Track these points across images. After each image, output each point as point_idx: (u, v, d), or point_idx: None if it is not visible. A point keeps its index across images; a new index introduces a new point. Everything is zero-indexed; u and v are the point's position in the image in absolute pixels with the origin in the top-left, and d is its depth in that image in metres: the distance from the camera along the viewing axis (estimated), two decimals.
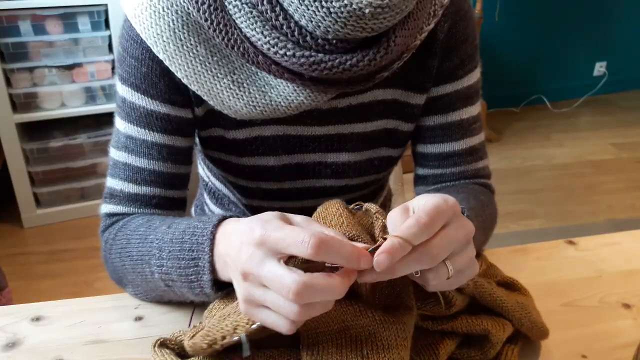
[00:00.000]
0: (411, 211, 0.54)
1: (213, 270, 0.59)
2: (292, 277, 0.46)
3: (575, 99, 3.58)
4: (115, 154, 0.73)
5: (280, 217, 0.52)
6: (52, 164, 2.27)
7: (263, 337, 0.58)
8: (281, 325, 0.49)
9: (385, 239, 0.50)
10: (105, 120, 2.31)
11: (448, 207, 0.52)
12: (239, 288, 0.52)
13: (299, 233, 0.47)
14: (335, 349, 0.54)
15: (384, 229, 0.56)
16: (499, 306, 0.64)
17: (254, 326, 0.53)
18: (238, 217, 0.61)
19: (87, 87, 2.21)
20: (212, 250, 0.58)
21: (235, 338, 0.54)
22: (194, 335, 0.57)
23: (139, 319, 0.71)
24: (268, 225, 0.49)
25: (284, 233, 0.48)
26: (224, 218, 0.60)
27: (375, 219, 0.59)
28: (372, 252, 0.49)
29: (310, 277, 0.47)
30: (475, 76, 0.79)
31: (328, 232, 0.51)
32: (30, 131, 2.26)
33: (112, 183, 0.74)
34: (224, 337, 0.54)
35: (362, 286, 0.56)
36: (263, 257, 0.49)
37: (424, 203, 0.52)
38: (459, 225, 0.53)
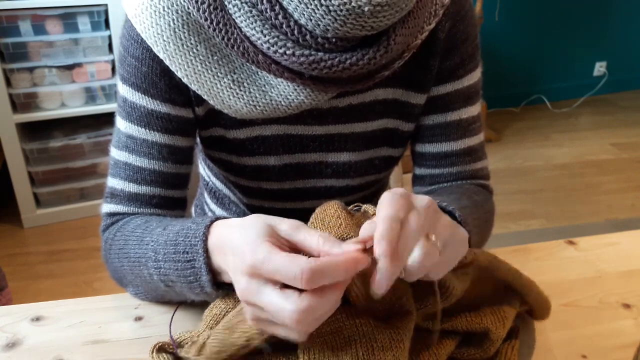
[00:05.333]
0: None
1: (211, 270, 0.58)
2: (290, 308, 0.47)
3: (575, 99, 3.58)
4: (116, 153, 0.73)
5: (268, 237, 0.50)
6: (52, 164, 2.27)
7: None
8: (293, 337, 0.50)
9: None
10: (105, 120, 2.31)
11: (396, 203, 0.51)
12: (246, 311, 0.52)
13: (289, 267, 0.47)
14: (330, 352, 0.54)
15: None
16: (514, 273, 0.64)
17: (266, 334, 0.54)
18: (229, 217, 0.60)
19: (87, 87, 2.21)
20: (206, 251, 0.58)
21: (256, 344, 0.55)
22: (200, 348, 0.58)
23: (139, 319, 0.71)
24: (257, 255, 0.49)
25: (275, 266, 0.48)
26: (217, 218, 0.60)
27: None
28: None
29: (307, 302, 0.47)
30: (475, 76, 0.79)
31: (317, 238, 0.50)
32: (30, 131, 2.26)
33: (113, 182, 0.74)
34: (239, 349, 0.55)
35: (359, 297, 0.56)
36: (258, 287, 0.49)
37: (378, 218, 0.51)
38: (417, 212, 0.52)
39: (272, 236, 0.51)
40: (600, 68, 3.60)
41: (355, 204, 0.63)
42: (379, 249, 0.48)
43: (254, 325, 0.53)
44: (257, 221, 0.53)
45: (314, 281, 0.46)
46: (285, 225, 0.52)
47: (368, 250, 0.50)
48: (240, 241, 0.52)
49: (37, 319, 0.71)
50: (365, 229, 0.52)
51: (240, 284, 0.50)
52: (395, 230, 0.49)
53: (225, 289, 0.61)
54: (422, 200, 0.54)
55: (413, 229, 0.51)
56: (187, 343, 0.62)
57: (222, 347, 0.56)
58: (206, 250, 0.58)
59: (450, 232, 0.55)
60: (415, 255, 0.51)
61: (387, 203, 0.51)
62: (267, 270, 0.48)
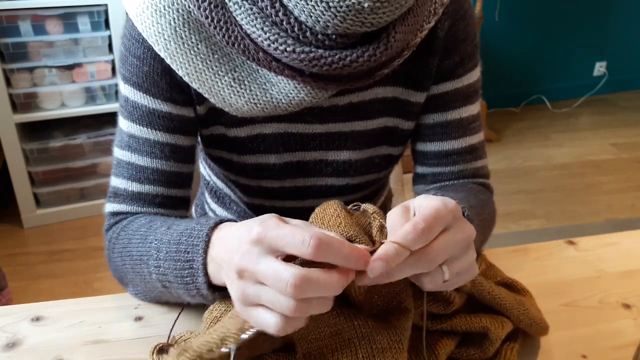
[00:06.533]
0: (411, 211, 0.54)
1: (207, 272, 0.59)
2: (290, 271, 0.46)
3: (575, 99, 3.58)
4: (119, 153, 0.74)
5: (278, 217, 0.51)
6: (52, 164, 2.27)
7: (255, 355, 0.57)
8: (274, 324, 0.48)
9: (383, 243, 0.50)
10: (105, 120, 2.31)
11: (447, 211, 0.52)
12: (233, 288, 0.51)
13: (298, 232, 0.47)
14: (330, 355, 0.54)
15: (382, 229, 0.56)
16: (498, 304, 0.64)
17: (243, 336, 0.51)
18: (235, 220, 0.60)
19: (87, 87, 2.21)
20: (206, 252, 0.58)
21: (225, 350, 0.52)
22: (183, 352, 0.56)
23: (139, 319, 0.71)
24: (266, 224, 0.49)
25: (283, 232, 0.47)
26: (221, 221, 0.60)
27: (372, 219, 0.59)
28: (371, 253, 0.49)
29: (309, 271, 0.46)
30: (475, 75, 0.79)
31: (328, 234, 0.50)
32: (30, 131, 2.26)
33: (116, 182, 0.74)
34: (210, 350, 0.52)
35: (357, 289, 0.56)
36: (260, 254, 0.48)
37: (424, 206, 0.52)
38: (458, 229, 0.53)
39: (283, 220, 0.51)
40: (600, 68, 3.60)
41: (355, 203, 0.63)
42: (404, 236, 0.49)
43: (240, 308, 0.51)
44: (267, 214, 0.52)
45: (320, 249, 0.46)
46: (297, 221, 0.52)
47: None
48: (249, 221, 0.52)
49: (37, 319, 0.71)
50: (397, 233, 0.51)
51: (241, 250, 0.49)
52: (424, 233, 0.50)
53: (221, 291, 0.61)
54: (468, 227, 0.54)
55: (448, 243, 0.51)
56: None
57: (195, 353, 0.53)
58: (206, 252, 0.58)
59: (468, 268, 0.55)
60: (423, 282, 0.53)
61: (433, 209, 0.51)
62: (273, 235, 0.48)
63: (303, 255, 0.46)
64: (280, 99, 0.67)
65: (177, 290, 0.63)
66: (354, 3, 0.57)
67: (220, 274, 0.56)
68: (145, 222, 0.69)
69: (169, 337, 0.62)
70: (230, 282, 0.51)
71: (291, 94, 0.67)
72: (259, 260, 0.48)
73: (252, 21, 0.61)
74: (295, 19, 0.60)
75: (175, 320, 0.68)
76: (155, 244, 0.64)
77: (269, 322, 0.48)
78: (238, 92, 0.67)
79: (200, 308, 0.69)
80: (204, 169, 0.96)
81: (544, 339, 0.68)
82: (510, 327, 0.64)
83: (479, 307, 0.65)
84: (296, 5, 0.59)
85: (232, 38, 0.64)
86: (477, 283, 0.64)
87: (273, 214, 0.52)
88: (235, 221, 0.60)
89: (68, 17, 2.11)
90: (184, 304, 0.71)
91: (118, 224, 0.73)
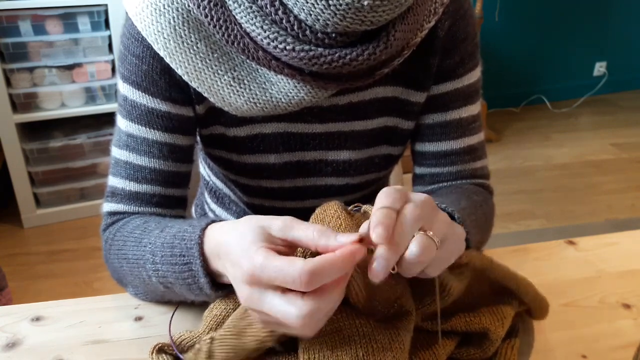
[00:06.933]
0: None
1: (208, 273, 0.59)
2: (295, 313, 0.47)
3: (575, 99, 3.58)
4: (117, 152, 0.73)
5: (262, 242, 0.51)
6: (52, 164, 2.27)
7: None
8: (303, 334, 0.51)
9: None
10: (105, 120, 2.31)
11: (394, 189, 0.52)
12: (253, 315, 0.53)
13: (288, 271, 0.47)
14: (330, 352, 0.54)
15: None
16: (510, 276, 0.64)
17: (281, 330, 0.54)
18: (226, 220, 0.61)
19: (87, 87, 2.21)
20: (202, 255, 0.58)
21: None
22: (209, 355, 0.57)
23: (139, 319, 0.71)
24: (254, 262, 0.49)
25: (274, 272, 0.48)
26: (212, 221, 0.60)
27: None
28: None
29: (311, 305, 0.47)
30: (475, 75, 0.79)
31: (311, 233, 0.50)
32: (30, 131, 2.26)
33: (114, 181, 0.74)
34: (251, 352, 0.55)
35: (359, 295, 0.56)
36: (260, 295, 0.49)
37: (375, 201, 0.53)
38: (414, 196, 0.53)
39: (266, 240, 0.51)
40: (600, 68, 3.60)
41: (355, 205, 0.63)
42: (375, 235, 0.48)
43: (265, 328, 0.53)
44: (250, 225, 0.53)
45: (314, 282, 0.46)
46: (278, 224, 0.52)
47: (364, 241, 0.50)
48: (235, 249, 0.52)
49: (37, 319, 0.71)
50: (365, 227, 0.52)
51: (243, 293, 0.51)
52: (391, 217, 0.50)
53: (225, 289, 0.61)
54: (419, 195, 0.54)
55: (409, 217, 0.51)
56: (187, 343, 0.62)
57: (234, 352, 0.56)
58: (202, 254, 0.58)
59: (448, 228, 0.55)
60: (413, 249, 0.51)
61: (384, 195, 0.52)
62: (266, 276, 0.48)
63: (299, 290, 0.48)
64: (280, 98, 0.67)
65: (180, 290, 0.63)
66: (353, 1, 0.57)
67: (228, 278, 0.57)
68: (139, 224, 0.69)
69: (170, 337, 0.62)
70: (249, 310, 0.54)
71: (291, 93, 0.67)
72: (262, 302, 0.49)
73: (252, 20, 0.61)
74: (295, 17, 0.60)
75: (171, 320, 0.68)
76: (150, 247, 0.64)
77: (300, 334, 0.52)
78: (237, 91, 0.67)
79: (198, 306, 0.69)
80: (203, 169, 0.96)
81: (543, 339, 0.68)
82: (509, 322, 0.64)
83: (478, 303, 0.65)
84: (295, 4, 0.59)
85: (232, 37, 0.64)
86: (487, 261, 0.64)
87: (255, 232, 0.52)
88: (223, 220, 0.61)
89: (68, 17, 2.11)
90: (178, 303, 0.71)
91: (114, 225, 0.73)
